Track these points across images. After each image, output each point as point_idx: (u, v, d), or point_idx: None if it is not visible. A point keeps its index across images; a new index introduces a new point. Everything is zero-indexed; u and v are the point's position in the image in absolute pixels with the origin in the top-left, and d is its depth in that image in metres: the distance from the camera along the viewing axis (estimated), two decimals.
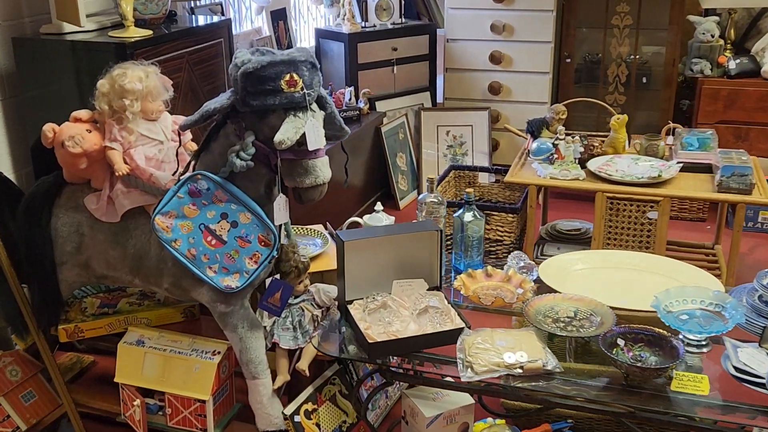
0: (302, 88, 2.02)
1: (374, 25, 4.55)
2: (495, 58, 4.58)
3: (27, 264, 2.27)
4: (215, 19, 3.27)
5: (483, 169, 3.75)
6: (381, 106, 4.57)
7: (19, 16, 2.75)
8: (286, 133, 1.99)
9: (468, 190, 2.52)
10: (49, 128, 2.18)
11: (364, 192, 4.25)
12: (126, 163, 2.18)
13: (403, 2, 4.66)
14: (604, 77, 4.63)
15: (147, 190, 2.19)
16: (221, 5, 3.98)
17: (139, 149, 2.21)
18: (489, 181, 3.75)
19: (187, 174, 2.13)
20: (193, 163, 2.18)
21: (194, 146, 2.40)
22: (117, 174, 2.16)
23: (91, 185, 2.27)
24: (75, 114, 2.21)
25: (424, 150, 4.62)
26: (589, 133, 3.53)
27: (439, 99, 4.90)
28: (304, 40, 5.08)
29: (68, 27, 2.67)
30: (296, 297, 2.31)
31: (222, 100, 2.04)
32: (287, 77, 2.00)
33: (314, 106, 2.09)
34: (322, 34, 4.64)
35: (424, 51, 4.71)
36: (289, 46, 4.67)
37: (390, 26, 4.60)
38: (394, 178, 4.41)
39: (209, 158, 2.15)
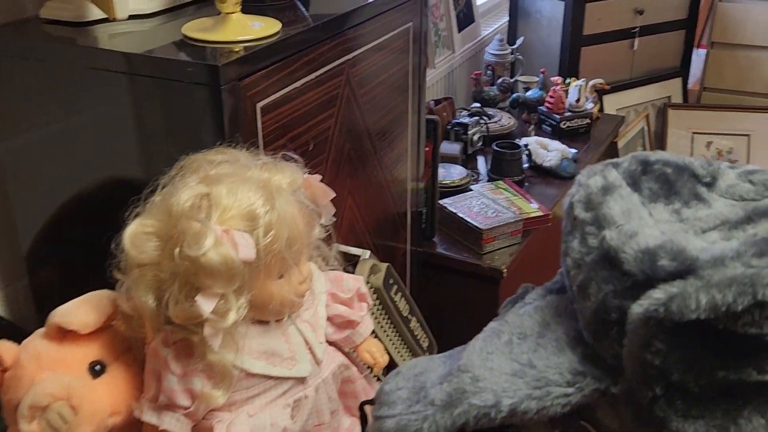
0: None
1: None
2: None
3: None
4: None
5: None
6: (609, 102, 2.96)
7: None
8: None
9: None
10: None
11: None
12: None
13: None
14: None
15: None
16: None
17: (240, 421, 0.76)
18: None
19: None
20: None
21: (381, 361, 0.92)
22: None
23: None
24: (60, 319, 0.77)
25: None
26: None
27: (691, 86, 3.22)
28: None
29: (98, 11, 1.20)
30: None
31: (547, 379, 0.54)
32: None
33: None
34: None
35: (681, 15, 3.01)
36: (468, 2, 3.09)
37: None
38: None
39: None
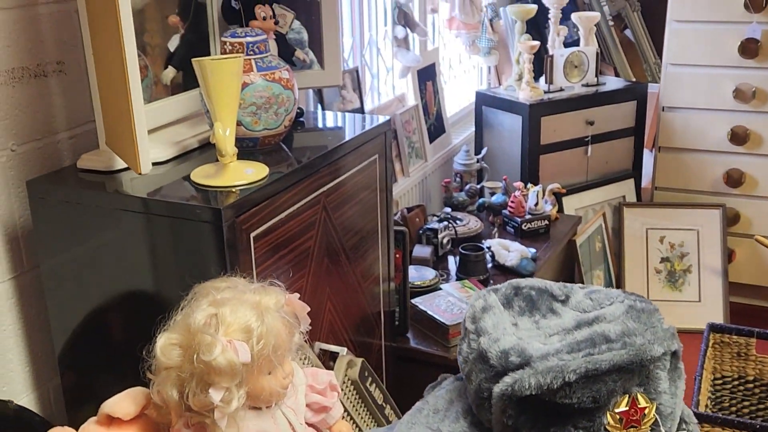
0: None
1: (560, 89, 3.27)
2: (738, 137, 3.21)
3: None
4: (364, 117, 2.05)
5: (764, 336, 2.39)
6: (568, 203, 3.28)
7: (50, 130, 1.62)
8: None
9: None
10: None
11: None
12: None
13: (598, 56, 3.35)
14: None
15: None
16: (357, 72, 2.79)
17: None
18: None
19: None
20: None
21: None
22: None
23: None
24: (109, 409, 1.04)
25: (627, 261, 3.29)
26: None
27: (644, 185, 3.56)
28: (455, 103, 3.85)
29: (122, 161, 1.51)
30: None
31: None
32: (623, 403, 0.75)
33: None
34: (485, 101, 3.39)
35: (629, 123, 3.38)
36: (439, 115, 3.45)
37: (582, 89, 3.30)
38: None
39: None
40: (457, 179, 3.16)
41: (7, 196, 1.55)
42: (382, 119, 1.89)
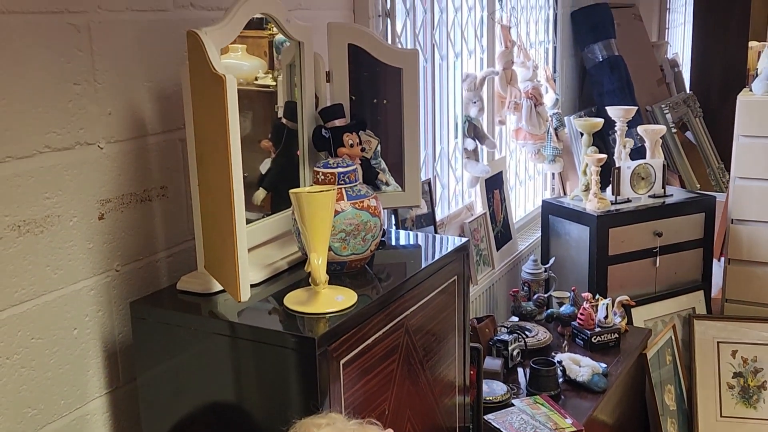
0: None
1: (627, 200, 3.29)
2: None
3: None
4: (445, 239, 2.10)
5: None
6: (637, 314, 3.25)
7: (150, 250, 1.72)
8: None
9: None
10: None
11: None
12: None
13: (665, 168, 3.38)
14: None
15: None
16: (429, 184, 2.88)
17: None
18: None
19: None
20: None
21: None
22: None
23: None
24: None
25: (699, 376, 3.22)
26: None
27: (714, 295, 3.51)
28: (520, 207, 3.91)
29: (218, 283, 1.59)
30: None
31: None
32: None
33: None
34: (552, 210, 3.43)
35: (697, 234, 3.37)
36: (506, 222, 3.51)
37: (649, 200, 3.32)
38: (664, 429, 3.01)
39: None
40: (525, 288, 3.17)
41: (109, 315, 1.64)
42: (459, 240, 1.95)
